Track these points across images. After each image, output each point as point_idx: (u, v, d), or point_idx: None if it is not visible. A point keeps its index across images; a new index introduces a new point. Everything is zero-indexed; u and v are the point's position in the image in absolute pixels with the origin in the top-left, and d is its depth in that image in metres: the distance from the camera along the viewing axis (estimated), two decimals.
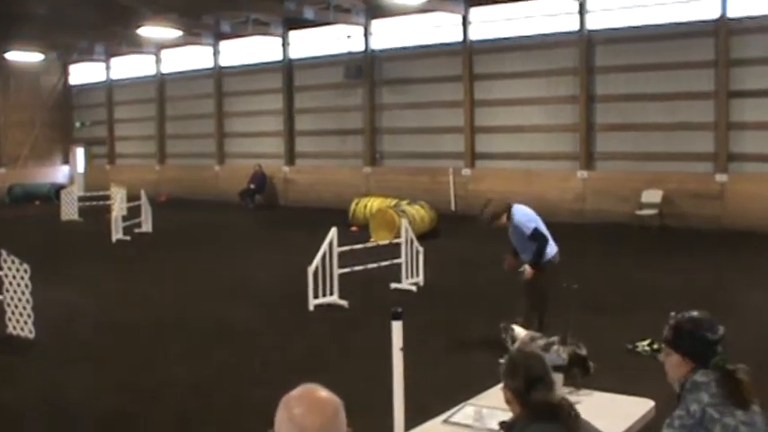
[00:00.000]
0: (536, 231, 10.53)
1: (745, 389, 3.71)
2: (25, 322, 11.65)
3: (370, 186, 28.92)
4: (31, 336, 11.58)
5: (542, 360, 4.07)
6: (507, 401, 3.97)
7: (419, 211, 22.20)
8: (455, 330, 11.92)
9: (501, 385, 4.05)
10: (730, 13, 21.58)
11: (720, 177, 22.02)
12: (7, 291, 11.83)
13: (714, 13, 21.83)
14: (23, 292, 11.60)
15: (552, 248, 10.72)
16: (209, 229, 25.29)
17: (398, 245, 15.18)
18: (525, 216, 10.72)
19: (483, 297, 14.06)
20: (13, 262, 11.69)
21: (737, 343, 8.84)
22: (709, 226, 21.43)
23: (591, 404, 3.75)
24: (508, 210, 10.71)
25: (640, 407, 5.39)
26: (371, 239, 19.09)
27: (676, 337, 3.89)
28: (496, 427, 4.44)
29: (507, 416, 4.05)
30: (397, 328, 6.11)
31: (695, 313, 3.93)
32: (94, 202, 29.44)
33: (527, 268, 10.56)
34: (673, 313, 3.98)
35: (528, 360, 4.06)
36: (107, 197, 28.02)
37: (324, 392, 2.72)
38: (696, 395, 3.71)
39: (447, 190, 27.37)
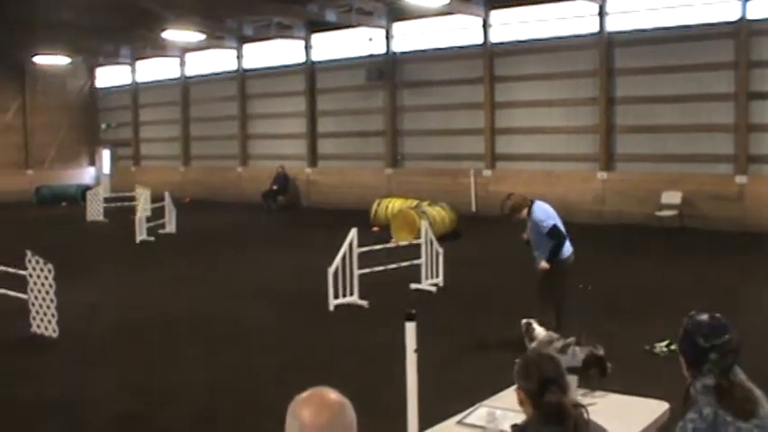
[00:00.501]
0: (554, 229, 10.63)
1: (739, 401, 3.65)
2: (49, 321, 11.84)
3: (391, 187, 29.03)
4: (55, 335, 11.76)
5: (557, 362, 4.05)
6: (520, 402, 3.94)
7: (440, 212, 22.29)
8: (474, 331, 11.98)
9: (515, 386, 4.02)
10: (750, 15, 21.53)
11: (740, 179, 21.97)
12: (32, 290, 12.01)
13: (734, 15, 21.78)
14: (47, 292, 11.79)
15: (568, 248, 10.82)
16: (231, 230, 25.47)
17: (419, 245, 15.27)
18: (545, 213, 10.81)
19: (502, 298, 14.11)
20: (37, 262, 11.87)
21: (758, 342, 8.98)
22: (729, 227, 21.36)
23: (606, 406, 3.70)
24: (529, 205, 10.84)
25: (655, 409, 5.33)
26: (392, 240, 19.20)
27: (680, 336, 3.86)
28: (509, 429, 4.49)
29: (520, 418, 4.03)
30: (410, 329, 6.10)
31: (704, 316, 3.83)
32: (119, 204, 29.76)
33: (542, 264, 10.67)
34: (692, 312, 3.91)
35: (542, 362, 4.03)
36: (132, 198, 28.30)
37: (332, 394, 2.73)
38: (709, 398, 3.65)
39: (468, 191, 27.44)
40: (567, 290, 10.85)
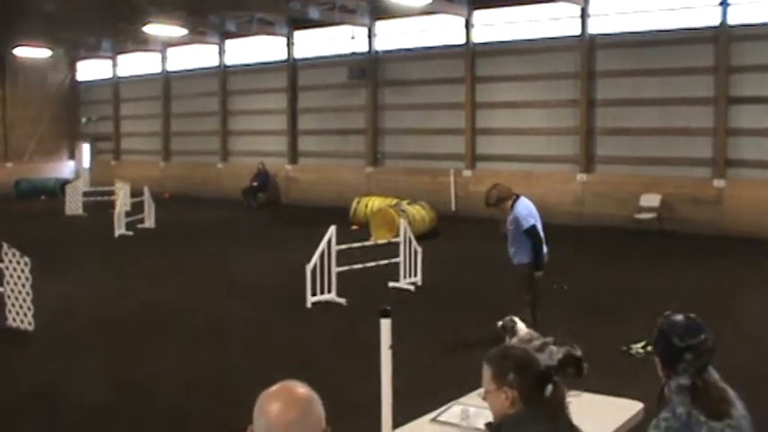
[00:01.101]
0: (532, 229, 10.65)
1: (713, 402, 3.67)
2: (25, 314, 11.81)
3: (371, 186, 29.04)
4: (30, 328, 11.72)
5: (538, 359, 3.94)
6: (511, 403, 3.68)
7: (419, 212, 22.32)
8: (451, 329, 12.01)
9: (491, 384, 3.78)
10: (731, 21, 21.66)
11: (718, 183, 22.11)
12: (8, 283, 11.97)
13: (715, 20, 21.90)
14: (24, 285, 11.75)
15: (544, 249, 10.87)
16: (211, 227, 25.43)
17: (397, 244, 15.30)
18: (527, 210, 10.80)
19: (480, 297, 14.14)
20: (14, 255, 11.85)
21: (733, 346, 9.05)
22: (707, 231, 21.47)
23: (580, 405, 3.66)
24: (514, 198, 10.84)
25: (629, 408, 5.36)
26: (371, 238, 19.22)
27: (655, 336, 3.90)
28: (482, 426, 4.47)
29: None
30: (385, 326, 6.10)
31: (679, 317, 3.85)
32: (99, 198, 29.63)
33: (537, 273, 10.72)
34: (667, 312, 3.94)
35: (532, 358, 3.91)
36: (111, 192, 28.19)
37: (301, 389, 2.73)
38: (682, 398, 3.68)
39: (447, 191, 27.47)
40: (541, 290, 10.91)
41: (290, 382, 2.76)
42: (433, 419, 5.05)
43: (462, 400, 5.37)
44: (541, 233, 10.81)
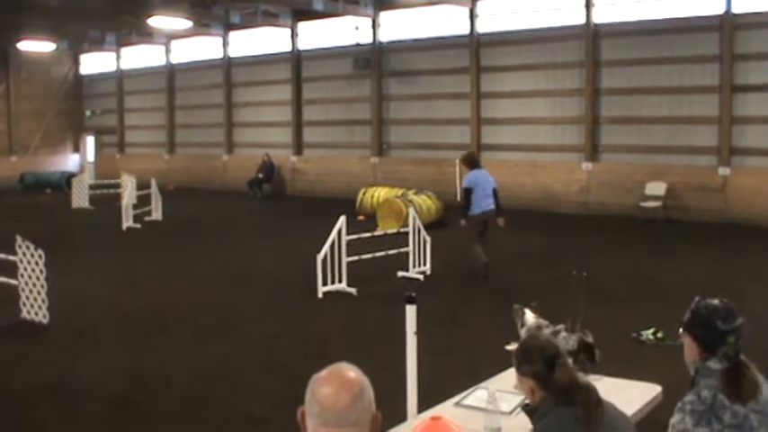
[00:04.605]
0: (463, 191, 14.33)
1: (746, 384, 3.73)
2: (39, 307, 11.86)
3: (376, 176, 29.11)
4: (45, 321, 11.79)
5: (555, 343, 4.12)
6: (531, 391, 3.91)
7: (426, 201, 22.39)
8: (463, 317, 12.14)
9: (516, 376, 4.02)
10: (735, 9, 21.65)
11: (723, 171, 22.13)
12: (22, 276, 12.01)
13: (719, 8, 21.89)
14: (38, 278, 11.79)
15: (478, 207, 14.31)
16: (218, 218, 25.49)
17: (406, 234, 15.37)
18: (471, 177, 14.44)
19: (489, 285, 14.25)
20: (28, 248, 11.89)
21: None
22: (712, 219, 21.57)
23: (600, 389, 3.78)
24: (470, 168, 14.57)
25: (649, 391, 5.44)
26: (378, 228, 19.28)
27: (691, 320, 3.95)
28: (508, 410, 4.57)
29: (517, 399, 4.08)
30: (410, 312, 6.19)
31: (715, 301, 3.95)
32: (105, 191, 29.71)
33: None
34: (697, 298, 4.01)
35: (541, 343, 4.09)
36: (117, 185, 28.26)
37: (352, 373, 2.73)
38: (708, 381, 3.75)
39: (453, 181, 27.48)
40: (479, 241, 14.58)
41: (341, 366, 2.77)
42: (457, 404, 5.11)
43: (484, 384, 5.44)
44: (477, 197, 14.26)
